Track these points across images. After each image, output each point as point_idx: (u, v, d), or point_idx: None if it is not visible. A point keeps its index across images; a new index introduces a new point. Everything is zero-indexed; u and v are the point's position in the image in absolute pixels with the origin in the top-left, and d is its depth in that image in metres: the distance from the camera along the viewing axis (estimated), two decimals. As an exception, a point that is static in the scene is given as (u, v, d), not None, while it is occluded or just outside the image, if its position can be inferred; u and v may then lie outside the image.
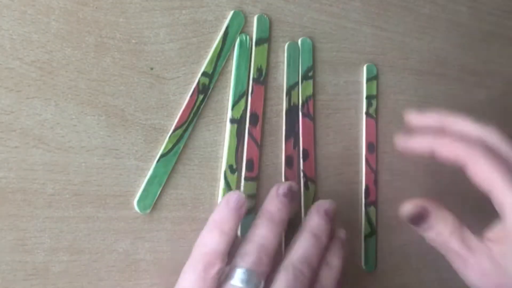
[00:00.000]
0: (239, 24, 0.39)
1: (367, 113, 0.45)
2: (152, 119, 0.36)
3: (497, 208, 0.35)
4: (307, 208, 0.41)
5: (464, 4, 0.51)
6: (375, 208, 0.44)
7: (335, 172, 0.44)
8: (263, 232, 0.35)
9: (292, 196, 0.37)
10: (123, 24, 0.35)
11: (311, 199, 0.41)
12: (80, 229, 0.34)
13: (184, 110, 0.37)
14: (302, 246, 0.36)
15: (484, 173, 0.35)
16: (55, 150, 0.33)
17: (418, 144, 0.39)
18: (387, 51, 0.47)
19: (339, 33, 0.44)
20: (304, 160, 0.41)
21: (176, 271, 0.36)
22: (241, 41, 0.39)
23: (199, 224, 0.37)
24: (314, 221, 0.37)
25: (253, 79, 0.40)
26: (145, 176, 0.36)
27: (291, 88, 0.41)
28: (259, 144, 0.40)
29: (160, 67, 0.37)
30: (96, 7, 0.35)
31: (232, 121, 0.39)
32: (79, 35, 0.34)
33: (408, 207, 0.38)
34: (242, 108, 0.39)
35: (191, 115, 0.37)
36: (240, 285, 0.33)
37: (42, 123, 0.33)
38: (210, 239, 0.34)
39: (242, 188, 0.39)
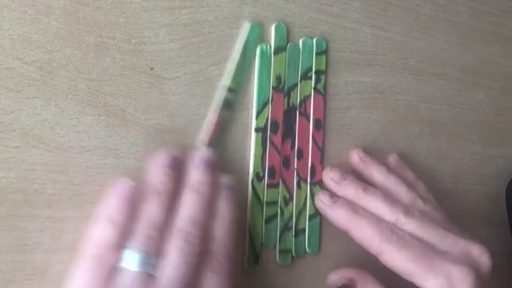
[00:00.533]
0: (256, 36, 0.40)
1: (315, 89, 0.42)
2: (152, 119, 0.36)
3: None
4: (298, 207, 0.41)
5: (464, 4, 0.51)
6: (320, 188, 0.42)
7: (335, 172, 0.44)
8: (149, 208, 0.33)
9: (175, 164, 0.35)
10: (123, 24, 0.35)
11: (302, 199, 0.41)
12: (80, 229, 0.34)
13: (213, 129, 0.38)
14: (186, 207, 0.34)
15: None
16: (55, 150, 0.33)
17: (334, 216, 0.40)
18: (387, 51, 0.47)
19: (339, 33, 0.44)
20: (298, 159, 0.41)
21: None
22: (261, 51, 0.40)
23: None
24: (194, 177, 0.35)
25: (273, 87, 0.40)
26: (146, 176, 0.36)
27: (290, 89, 0.41)
28: (279, 151, 0.40)
29: (160, 67, 0.37)
30: (96, 7, 0.35)
31: (257, 130, 0.39)
32: (79, 35, 0.34)
33: (335, 277, 0.40)
34: (266, 116, 0.40)
35: (218, 132, 0.38)
36: (135, 268, 0.31)
37: (42, 123, 0.33)
38: (99, 231, 0.32)
39: (265, 194, 0.40)
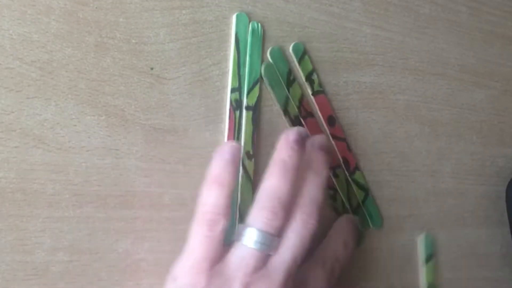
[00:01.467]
0: (245, 24, 0.40)
1: (313, 92, 0.42)
2: (152, 119, 0.36)
3: None
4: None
5: (464, 4, 0.51)
6: (360, 171, 0.44)
7: (335, 172, 0.44)
8: (276, 182, 0.34)
9: (302, 142, 0.35)
10: (123, 24, 0.35)
11: None
12: (80, 229, 0.34)
13: (229, 131, 0.38)
14: (309, 189, 0.35)
15: None
16: (55, 150, 0.33)
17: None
18: (387, 51, 0.47)
19: (339, 33, 0.44)
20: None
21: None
22: (253, 29, 0.40)
23: (199, 224, 0.37)
24: (317, 160, 0.36)
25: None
26: (146, 176, 0.36)
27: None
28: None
29: (160, 67, 0.37)
30: (96, 7, 0.35)
31: (248, 108, 0.39)
32: (79, 35, 0.34)
33: None
34: (257, 95, 0.40)
35: (236, 132, 0.38)
36: (252, 246, 0.33)
37: (42, 123, 0.33)
38: (209, 196, 0.33)
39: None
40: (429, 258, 0.46)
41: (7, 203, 0.32)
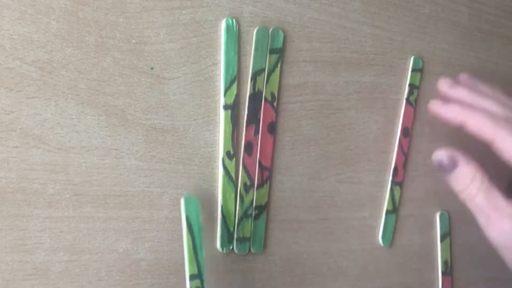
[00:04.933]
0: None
1: (407, 100, 0.47)
2: (152, 119, 0.36)
3: None
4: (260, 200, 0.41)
5: (464, 4, 0.51)
6: (400, 188, 0.46)
7: (334, 172, 0.44)
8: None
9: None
10: (123, 24, 0.35)
11: (265, 196, 0.40)
12: (80, 229, 0.34)
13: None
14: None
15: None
16: (55, 150, 0.33)
17: (449, 113, 0.41)
18: (387, 51, 0.47)
19: (339, 33, 0.44)
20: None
21: (176, 271, 0.36)
22: (227, 26, 0.39)
23: (199, 224, 0.37)
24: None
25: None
26: (146, 176, 0.36)
27: (256, 74, 0.40)
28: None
29: (160, 67, 0.37)
30: (96, 7, 0.35)
31: (226, 107, 0.39)
32: (79, 35, 0.34)
33: (438, 154, 0.39)
34: (235, 93, 0.39)
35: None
36: None
37: (42, 123, 0.33)
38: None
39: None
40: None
41: (7, 203, 0.32)
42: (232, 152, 0.39)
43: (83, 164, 0.34)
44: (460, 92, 0.42)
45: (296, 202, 0.42)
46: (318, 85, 0.43)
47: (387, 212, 0.46)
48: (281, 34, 0.41)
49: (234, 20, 0.39)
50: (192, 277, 0.35)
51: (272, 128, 0.41)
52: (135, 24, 0.36)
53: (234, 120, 0.39)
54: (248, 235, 0.39)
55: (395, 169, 0.46)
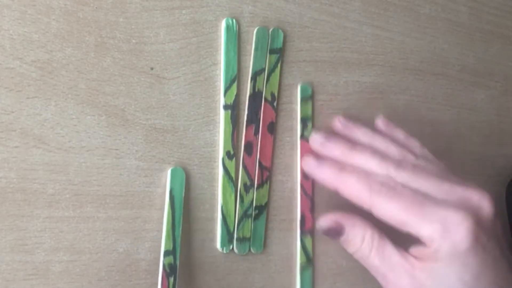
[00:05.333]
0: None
1: (302, 136, 0.41)
2: (152, 119, 0.36)
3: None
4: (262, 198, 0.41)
5: (464, 4, 0.51)
6: (311, 238, 0.41)
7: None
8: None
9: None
10: (123, 24, 0.35)
11: (266, 196, 0.40)
12: (80, 229, 0.34)
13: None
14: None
15: (393, 212, 0.35)
16: (55, 150, 0.33)
17: (322, 175, 0.38)
18: (387, 51, 0.47)
19: (339, 33, 0.44)
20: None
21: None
22: (227, 26, 0.39)
23: (199, 224, 0.37)
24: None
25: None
26: (146, 176, 0.36)
27: (256, 74, 0.40)
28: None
29: (160, 67, 0.37)
30: (96, 7, 0.35)
31: (226, 107, 0.39)
32: (79, 35, 0.34)
33: (322, 221, 0.37)
34: (235, 93, 0.39)
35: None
36: None
37: (42, 123, 0.33)
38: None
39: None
40: None
41: (7, 203, 0.32)
42: (232, 152, 0.39)
43: (83, 164, 0.34)
44: (332, 150, 0.39)
45: (296, 202, 0.42)
46: (318, 85, 0.43)
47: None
48: (281, 34, 0.41)
49: (234, 20, 0.39)
50: (166, 253, 0.35)
51: (272, 128, 0.41)
52: (135, 24, 0.36)
53: (234, 120, 0.39)
54: (248, 235, 0.39)
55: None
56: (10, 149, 0.32)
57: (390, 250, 0.35)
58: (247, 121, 0.39)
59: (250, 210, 0.39)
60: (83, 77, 0.34)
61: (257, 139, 0.40)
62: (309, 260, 0.41)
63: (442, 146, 0.49)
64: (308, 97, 0.42)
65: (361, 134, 0.40)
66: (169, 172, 0.36)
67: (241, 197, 0.39)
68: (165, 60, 0.37)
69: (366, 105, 0.45)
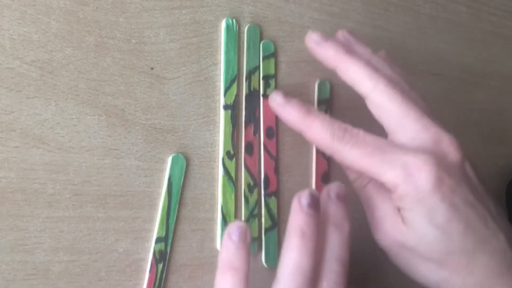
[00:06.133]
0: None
1: (264, 95, 0.40)
2: (152, 119, 0.36)
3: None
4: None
5: (464, 4, 0.51)
6: (276, 199, 0.40)
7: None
8: (297, 256, 0.31)
9: (316, 204, 0.32)
10: (123, 24, 0.35)
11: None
12: (80, 229, 0.34)
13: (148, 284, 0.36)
14: (334, 248, 0.33)
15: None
16: (55, 150, 0.33)
17: (288, 116, 0.36)
18: (387, 51, 0.47)
19: (339, 33, 0.44)
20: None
21: (176, 271, 0.36)
22: (227, 26, 0.39)
23: (199, 224, 0.37)
24: (335, 214, 0.33)
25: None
26: (146, 176, 0.36)
27: (251, 73, 0.40)
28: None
29: (160, 67, 0.37)
30: (96, 7, 0.35)
31: (226, 107, 0.39)
32: (79, 35, 0.34)
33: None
34: (235, 93, 0.39)
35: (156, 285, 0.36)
36: None
37: (42, 123, 0.33)
38: (225, 285, 0.31)
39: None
40: None
41: (7, 203, 0.32)
42: (232, 152, 0.39)
43: (83, 164, 0.34)
44: (327, 50, 0.37)
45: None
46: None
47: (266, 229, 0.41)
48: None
49: (234, 20, 0.39)
50: (158, 240, 0.35)
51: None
52: (135, 24, 0.36)
53: (234, 120, 0.39)
54: (255, 235, 0.39)
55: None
56: (10, 149, 0.32)
57: (385, 187, 0.34)
58: (245, 121, 0.40)
59: (256, 210, 0.39)
60: (83, 77, 0.34)
61: (256, 138, 0.40)
62: (274, 222, 0.40)
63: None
64: (271, 55, 0.41)
65: (360, 49, 0.38)
66: (170, 158, 0.36)
67: (246, 198, 0.39)
68: (165, 60, 0.37)
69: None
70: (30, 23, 0.33)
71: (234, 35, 0.39)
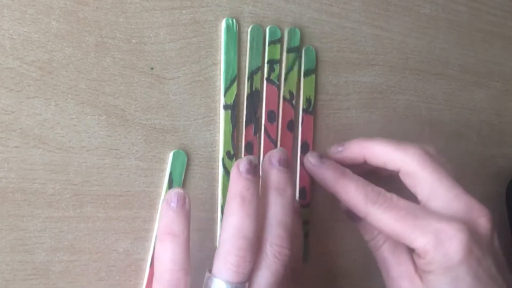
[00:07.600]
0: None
1: (267, 79, 0.41)
2: (152, 119, 0.36)
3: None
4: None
5: (464, 4, 0.51)
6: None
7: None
8: (238, 220, 0.31)
9: (255, 170, 0.32)
10: (124, 24, 0.35)
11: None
12: (80, 229, 0.34)
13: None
14: (276, 213, 0.33)
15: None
16: (55, 150, 0.33)
17: (323, 176, 0.38)
18: (387, 51, 0.47)
19: (339, 33, 0.44)
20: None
21: (176, 271, 0.36)
22: (227, 26, 0.39)
23: (199, 224, 0.37)
24: (276, 179, 0.33)
25: (303, 109, 0.41)
26: (146, 176, 0.36)
27: (253, 73, 0.40)
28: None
29: (160, 67, 0.37)
30: (96, 7, 0.35)
31: (226, 107, 0.39)
32: (79, 35, 0.34)
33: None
34: (235, 93, 0.39)
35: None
36: None
37: (42, 123, 0.33)
38: (164, 251, 0.31)
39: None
40: None
41: (7, 203, 0.32)
42: (232, 152, 0.39)
43: (83, 164, 0.34)
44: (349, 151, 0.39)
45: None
46: (318, 85, 0.43)
47: None
48: (298, 32, 0.41)
49: (234, 20, 0.39)
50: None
51: (291, 126, 0.41)
52: (135, 24, 0.36)
53: (234, 120, 0.39)
54: None
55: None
56: (10, 149, 0.32)
57: (401, 248, 0.36)
58: (246, 121, 0.39)
59: None
60: (83, 77, 0.34)
61: (257, 138, 0.40)
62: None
63: (442, 146, 0.49)
64: (277, 40, 0.41)
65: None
66: (171, 154, 0.36)
67: None
68: (165, 60, 0.37)
69: (366, 105, 0.45)
70: (30, 23, 0.33)
71: (234, 35, 0.39)
